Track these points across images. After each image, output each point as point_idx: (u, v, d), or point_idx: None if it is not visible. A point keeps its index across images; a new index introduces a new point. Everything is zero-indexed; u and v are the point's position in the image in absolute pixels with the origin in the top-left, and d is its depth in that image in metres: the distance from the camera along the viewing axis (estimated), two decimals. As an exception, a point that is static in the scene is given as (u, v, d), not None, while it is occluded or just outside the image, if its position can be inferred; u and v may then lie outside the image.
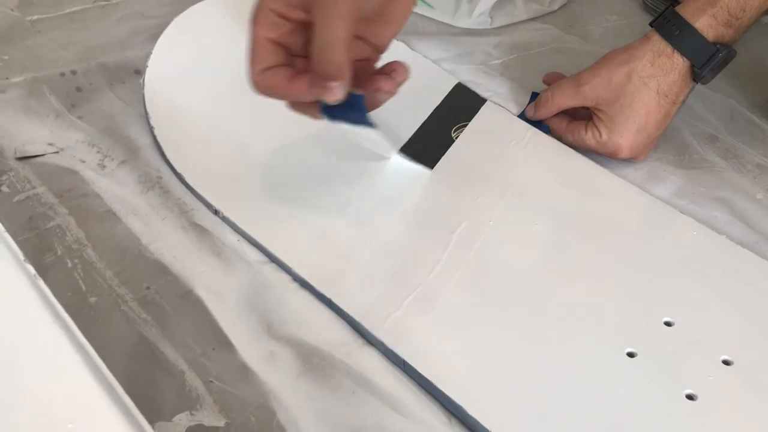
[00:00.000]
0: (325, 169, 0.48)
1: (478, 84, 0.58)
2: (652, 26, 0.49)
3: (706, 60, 0.47)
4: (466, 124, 0.53)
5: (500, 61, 0.62)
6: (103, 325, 0.39)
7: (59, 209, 0.45)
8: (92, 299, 0.40)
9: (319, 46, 0.35)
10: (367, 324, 0.39)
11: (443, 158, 0.50)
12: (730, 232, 0.48)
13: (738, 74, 0.61)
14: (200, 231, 0.45)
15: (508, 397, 0.37)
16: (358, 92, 0.37)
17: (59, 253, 0.42)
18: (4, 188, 0.45)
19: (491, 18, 0.65)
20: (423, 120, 0.53)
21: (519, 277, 0.43)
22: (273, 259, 0.43)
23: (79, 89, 0.53)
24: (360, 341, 0.40)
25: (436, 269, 0.42)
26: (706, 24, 0.47)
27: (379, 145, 0.47)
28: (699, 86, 0.50)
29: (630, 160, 0.52)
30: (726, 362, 0.39)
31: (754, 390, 0.38)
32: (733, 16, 0.46)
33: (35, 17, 0.58)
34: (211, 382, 0.37)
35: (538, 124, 0.54)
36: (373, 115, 0.40)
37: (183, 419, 0.35)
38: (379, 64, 0.40)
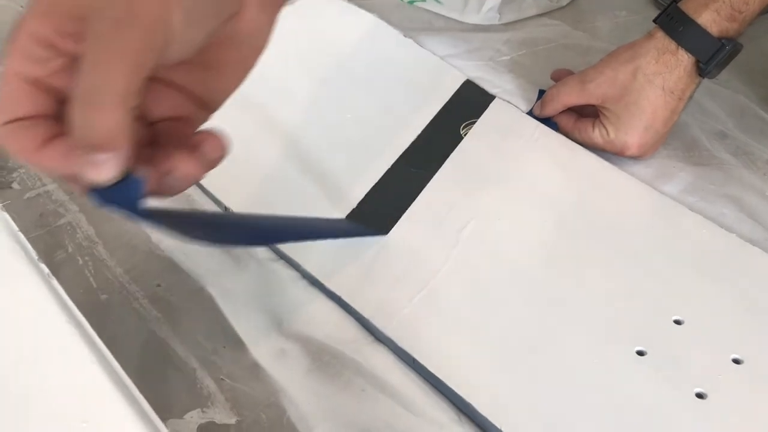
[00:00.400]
0: (334, 166, 0.48)
1: (487, 80, 0.58)
2: (655, 23, 0.49)
3: (711, 55, 0.47)
4: (475, 121, 0.53)
5: (509, 57, 0.62)
6: (114, 322, 0.39)
7: (70, 206, 0.45)
8: (103, 296, 0.40)
9: (82, 97, 0.22)
10: (376, 321, 0.40)
11: (451, 156, 0.50)
12: (739, 229, 0.48)
13: (748, 70, 0.60)
14: (210, 228, 0.45)
15: (518, 395, 0.37)
16: (138, 175, 0.24)
17: (70, 250, 0.42)
18: (15, 185, 0.46)
19: (500, 14, 0.65)
20: (431, 117, 0.53)
21: (527, 275, 0.43)
22: (282, 256, 0.43)
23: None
24: (369, 339, 0.40)
25: (445, 267, 0.42)
26: (710, 19, 0.46)
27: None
28: (709, 82, 0.50)
29: (638, 158, 0.52)
30: (736, 361, 0.39)
31: (765, 389, 0.38)
32: (736, 10, 0.46)
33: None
34: (222, 379, 0.37)
35: (547, 121, 0.54)
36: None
37: (194, 417, 0.36)
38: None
